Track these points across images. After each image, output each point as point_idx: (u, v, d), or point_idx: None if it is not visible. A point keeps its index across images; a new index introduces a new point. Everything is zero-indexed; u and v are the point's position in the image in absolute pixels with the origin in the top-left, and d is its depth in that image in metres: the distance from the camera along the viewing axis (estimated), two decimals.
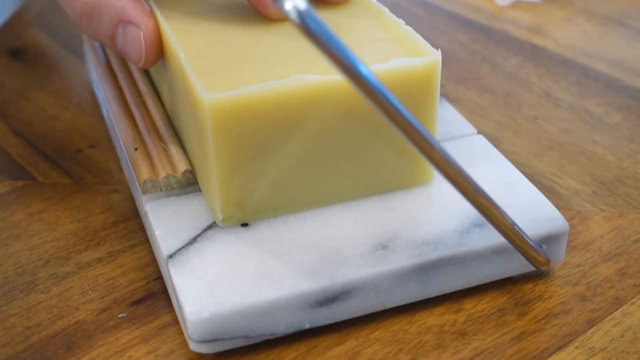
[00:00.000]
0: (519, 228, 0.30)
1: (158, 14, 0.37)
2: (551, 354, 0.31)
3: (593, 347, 0.31)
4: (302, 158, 0.33)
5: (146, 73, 0.43)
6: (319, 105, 0.32)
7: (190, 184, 0.36)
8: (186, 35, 0.35)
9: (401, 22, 0.35)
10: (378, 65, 0.32)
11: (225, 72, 0.32)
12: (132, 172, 0.36)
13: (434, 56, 0.33)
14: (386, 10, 0.37)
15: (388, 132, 0.33)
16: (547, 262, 0.33)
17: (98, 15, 0.36)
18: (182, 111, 0.36)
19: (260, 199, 0.33)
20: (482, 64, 0.52)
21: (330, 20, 0.36)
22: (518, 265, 0.33)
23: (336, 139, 0.33)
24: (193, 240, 0.33)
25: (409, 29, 0.35)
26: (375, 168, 0.34)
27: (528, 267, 0.33)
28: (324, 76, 0.31)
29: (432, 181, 0.35)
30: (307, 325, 0.31)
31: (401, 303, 0.32)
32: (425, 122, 0.34)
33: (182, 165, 0.36)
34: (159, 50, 0.36)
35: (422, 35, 0.35)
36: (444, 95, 0.47)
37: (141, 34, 0.35)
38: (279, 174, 0.33)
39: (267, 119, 0.31)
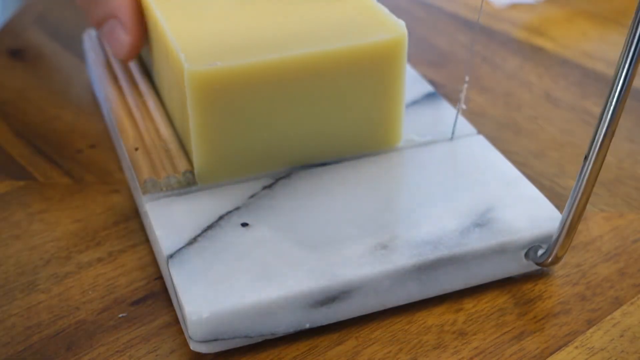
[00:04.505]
0: None
1: None
2: (551, 354, 0.31)
3: (593, 346, 0.31)
4: (275, 123, 0.35)
5: (145, 70, 0.43)
6: (290, 77, 0.34)
7: (190, 184, 0.36)
8: (171, 8, 0.38)
9: (374, 0, 0.38)
10: (351, 40, 0.35)
11: (207, 45, 0.35)
12: (133, 172, 0.36)
13: (400, 32, 0.35)
14: None
15: (356, 99, 0.36)
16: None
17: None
18: (166, 80, 0.38)
19: (236, 159, 0.35)
20: (482, 64, 0.52)
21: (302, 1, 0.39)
22: (518, 265, 0.33)
23: (307, 105, 0.35)
24: (193, 240, 0.33)
25: (379, 6, 0.37)
26: (345, 131, 0.37)
27: (528, 267, 0.34)
28: (294, 51, 0.34)
29: (399, 144, 0.38)
30: (307, 325, 0.31)
31: (401, 303, 0.32)
32: (394, 91, 0.36)
33: (182, 165, 0.36)
34: (138, 52, 0.40)
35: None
36: (444, 95, 0.47)
37: (128, 39, 0.38)
38: (253, 137, 0.35)
39: (243, 89, 0.34)
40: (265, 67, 0.34)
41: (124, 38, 0.38)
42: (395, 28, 0.36)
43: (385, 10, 0.37)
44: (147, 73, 0.43)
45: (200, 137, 0.34)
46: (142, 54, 0.44)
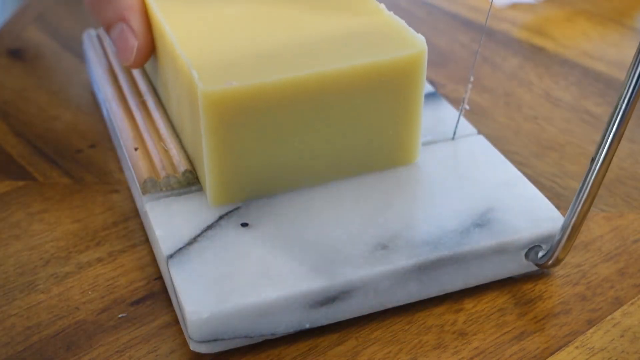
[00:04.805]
0: None
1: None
2: (551, 354, 0.31)
3: (593, 347, 0.31)
4: (291, 143, 0.34)
5: (146, 74, 0.43)
6: (307, 96, 0.33)
7: (190, 184, 0.36)
8: (180, 20, 0.36)
9: (391, 13, 0.37)
10: (369, 57, 0.33)
11: (219, 62, 0.33)
12: (132, 172, 0.36)
13: (420, 47, 0.34)
14: (378, 3, 0.38)
15: (374, 116, 0.35)
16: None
17: (105, 1, 0.38)
18: (175, 95, 0.37)
19: (251, 180, 0.34)
20: (482, 64, 0.52)
21: (326, 12, 0.37)
22: (518, 265, 0.33)
23: (324, 124, 0.34)
24: (193, 240, 0.33)
25: (397, 19, 0.36)
26: (362, 149, 0.35)
27: (528, 267, 0.34)
28: (312, 68, 0.33)
29: (416, 162, 0.37)
30: (307, 325, 0.31)
31: (401, 303, 0.32)
32: (412, 108, 0.35)
33: (182, 165, 0.36)
34: (146, 60, 0.39)
35: (422, 35, 0.35)
36: (444, 95, 0.47)
37: (137, 44, 0.38)
38: (269, 157, 0.34)
39: (259, 109, 0.32)
40: (282, 86, 0.32)
41: (132, 42, 0.38)
42: (415, 43, 0.34)
43: (403, 23, 0.36)
44: (148, 75, 0.43)
45: (214, 159, 0.33)
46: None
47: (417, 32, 0.35)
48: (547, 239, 0.33)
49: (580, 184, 0.29)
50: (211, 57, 0.33)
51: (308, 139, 0.34)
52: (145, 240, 0.37)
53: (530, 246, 0.33)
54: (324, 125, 0.34)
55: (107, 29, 0.39)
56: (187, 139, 0.36)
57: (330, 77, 0.33)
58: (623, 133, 0.28)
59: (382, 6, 0.37)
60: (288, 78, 0.32)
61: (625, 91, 0.28)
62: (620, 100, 0.28)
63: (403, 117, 0.35)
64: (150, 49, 0.39)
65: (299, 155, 0.34)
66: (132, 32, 0.37)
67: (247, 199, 0.34)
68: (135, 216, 0.38)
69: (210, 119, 0.32)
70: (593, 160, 0.29)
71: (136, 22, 0.37)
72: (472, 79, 0.39)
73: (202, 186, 0.35)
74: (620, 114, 0.28)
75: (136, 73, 0.43)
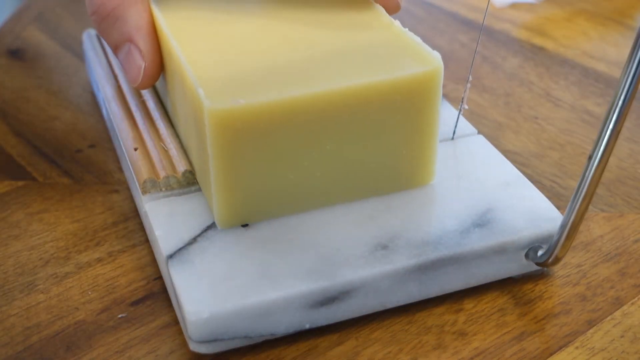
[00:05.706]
0: None
1: (159, 14, 0.37)
2: (551, 354, 0.31)
3: (593, 347, 0.31)
4: (302, 163, 0.33)
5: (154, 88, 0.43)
6: (318, 114, 0.32)
7: (190, 184, 0.36)
8: (187, 37, 0.35)
9: (406, 30, 0.35)
10: (382, 74, 0.32)
11: (227, 79, 0.32)
12: (132, 172, 0.36)
13: (436, 64, 0.33)
14: (391, 19, 0.36)
15: (387, 135, 0.33)
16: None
17: (112, 22, 0.37)
18: (182, 113, 0.36)
19: (259, 202, 0.33)
20: (482, 64, 0.52)
21: (337, 27, 0.36)
22: (518, 265, 0.33)
23: (335, 144, 0.33)
24: (193, 240, 0.33)
25: (412, 35, 0.35)
26: (376, 170, 0.34)
27: (528, 267, 0.33)
28: (323, 86, 0.31)
29: (432, 182, 0.35)
30: (307, 326, 0.31)
31: (401, 303, 0.32)
32: (428, 127, 0.34)
33: (182, 165, 0.36)
34: (154, 80, 0.38)
35: (422, 35, 0.35)
36: (444, 95, 0.47)
37: (143, 65, 0.36)
38: (278, 179, 0.33)
39: (268, 128, 0.31)
40: (292, 104, 0.31)
41: (139, 63, 0.36)
42: (430, 60, 0.33)
43: (417, 39, 0.34)
44: (157, 92, 0.42)
45: (222, 180, 0.32)
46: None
47: (417, 32, 0.35)
48: (547, 239, 0.33)
49: (578, 182, 0.29)
50: (219, 75, 0.32)
51: (319, 160, 0.33)
52: (145, 240, 0.37)
53: (530, 246, 0.33)
54: (335, 145, 0.33)
55: (115, 50, 0.38)
56: (194, 159, 0.35)
57: (341, 95, 0.31)
58: (620, 130, 0.28)
59: (397, 22, 0.36)
60: (298, 96, 0.31)
61: (622, 88, 0.27)
62: (616, 97, 0.28)
63: (418, 137, 0.34)
64: (159, 69, 0.37)
65: (311, 176, 0.33)
66: (139, 53, 0.36)
67: (255, 221, 0.33)
68: (135, 216, 0.38)
69: (217, 138, 0.31)
70: (590, 157, 0.29)
71: (143, 42, 0.36)
72: (470, 78, 0.39)
73: (210, 207, 0.34)
74: (617, 110, 0.28)
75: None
